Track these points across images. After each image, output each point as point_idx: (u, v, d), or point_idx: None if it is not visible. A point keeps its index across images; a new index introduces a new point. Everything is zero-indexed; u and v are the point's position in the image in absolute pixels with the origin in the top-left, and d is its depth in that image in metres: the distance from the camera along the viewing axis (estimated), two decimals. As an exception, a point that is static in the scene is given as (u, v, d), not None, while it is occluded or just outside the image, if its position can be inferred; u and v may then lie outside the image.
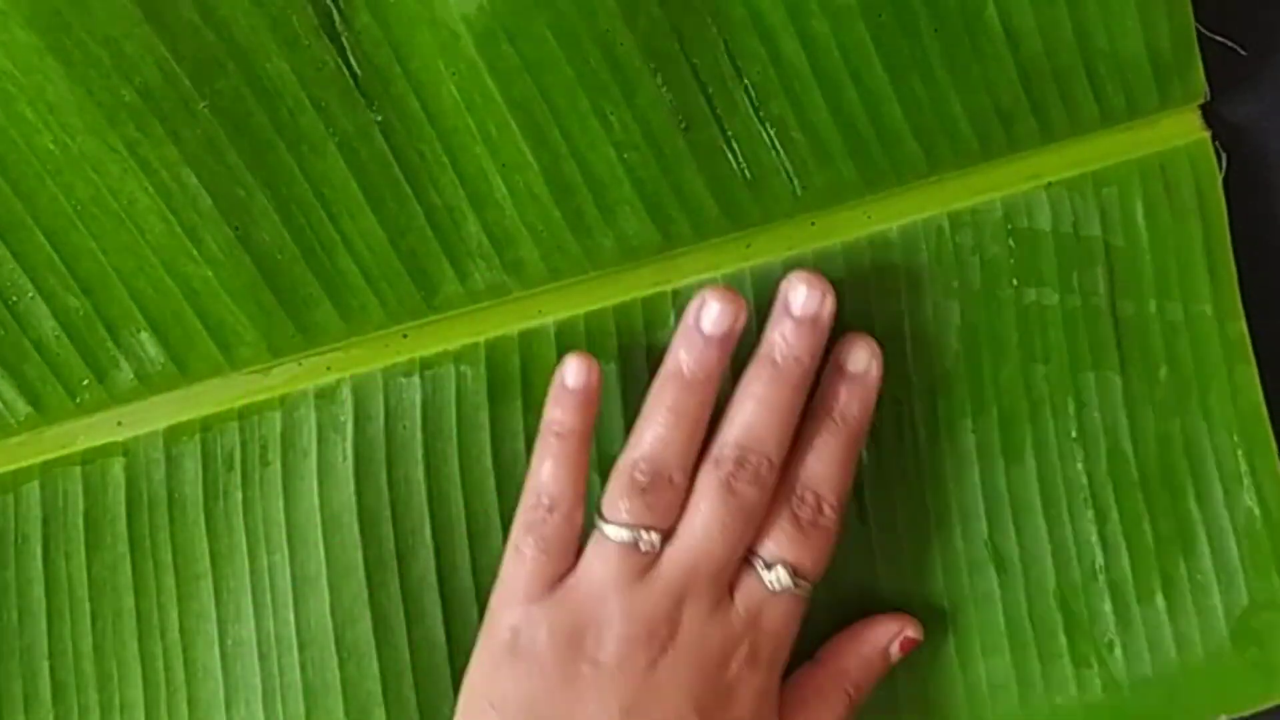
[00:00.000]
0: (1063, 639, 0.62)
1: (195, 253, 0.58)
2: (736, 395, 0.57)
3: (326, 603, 0.61)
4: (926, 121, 0.59)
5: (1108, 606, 0.62)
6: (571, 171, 0.58)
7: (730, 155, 0.59)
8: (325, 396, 0.61)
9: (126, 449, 0.62)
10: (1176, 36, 0.58)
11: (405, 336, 0.61)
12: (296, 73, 0.56)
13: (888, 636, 0.59)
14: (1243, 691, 0.62)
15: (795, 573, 0.56)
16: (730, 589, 0.56)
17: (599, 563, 0.55)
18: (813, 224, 0.61)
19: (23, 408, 0.61)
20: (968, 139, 0.59)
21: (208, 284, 0.59)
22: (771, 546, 0.56)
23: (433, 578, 0.61)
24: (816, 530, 0.56)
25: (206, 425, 0.62)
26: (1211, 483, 0.62)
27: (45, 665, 0.61)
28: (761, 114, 0.58)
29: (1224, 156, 0.61)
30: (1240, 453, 0.62)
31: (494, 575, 0.58)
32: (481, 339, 0.61)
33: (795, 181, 0.59)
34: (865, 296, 0.61)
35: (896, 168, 0.60)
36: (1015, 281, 0.61)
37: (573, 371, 0.57)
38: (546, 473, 0.56)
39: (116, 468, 0.62)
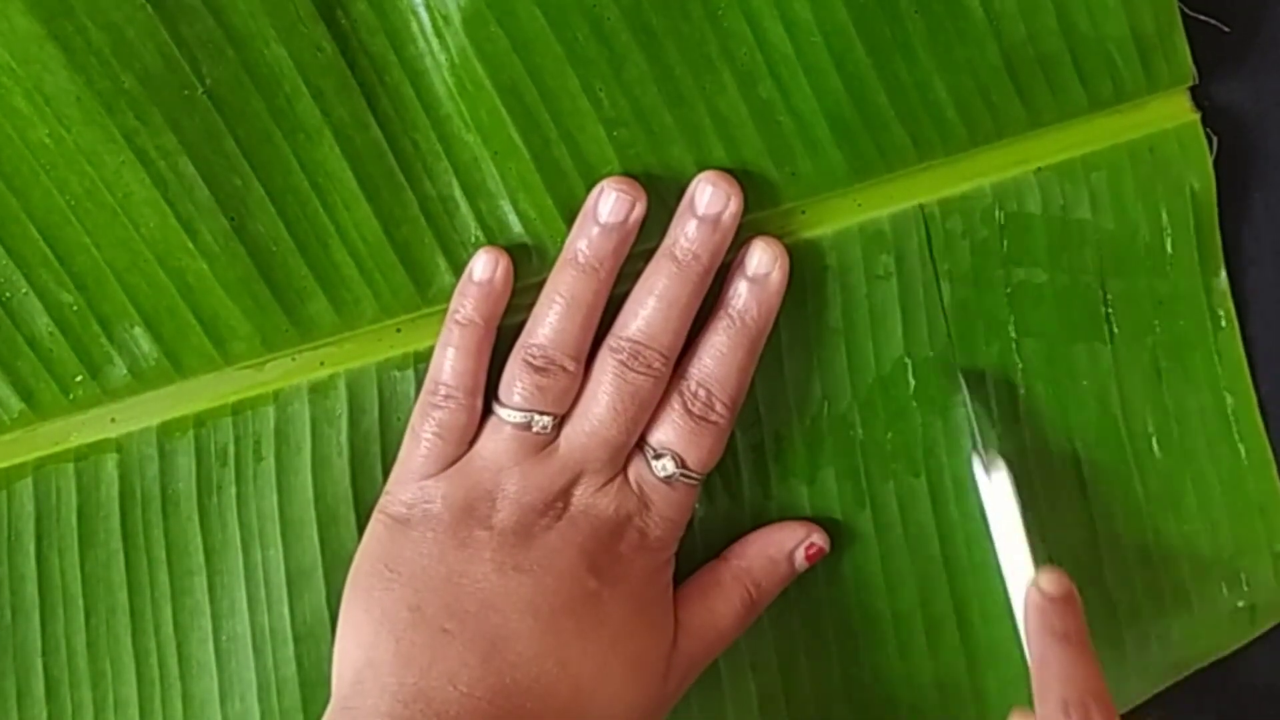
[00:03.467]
0: None
1: (190, 245, 0.58)
2: (636, 289, 0.58)
3: (322, 596, 0.61)
4: (912, 106, 0.59)
5: (1103, 563, 0.63)
6: (562, 156, 0.58)
7: (719, 138, 0.59)
8: (319, 391, 0.61)
9: (120, 445, 0.62)
10: (1159, 17, 0.59)
11: (399, 330, 0.61)
12: (294, 58, 0.57)
13: (794, 541, 0.61)
14: (1230, 630, 0.64)
15: (682, 463, 0.57)
16: (625, 473, 0.58)
17: (494, 442, 0.57)
18: (803, 212, 0.61)
19: (16, 404, 0.61)
20: (955, 125, 0.60)
21: (202, 278, 0.59)
22: (660, 436, 0.58)
23: (427, 572, 0.61)
24: (706, 425, 0.58)
25: (200, 421, 0.62)
26: (1196, 439, 0.63)
27: (39, 662, 0.61)
28: (748, 96, 0.58)
29: (1214, 139, 0.61)
30: (1224, 410, 0.63)
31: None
32: (475, 331, 0.61)
33: (784, 167, 0.59)
34: (857, 281, 0.61)
35: (884, 154, 0.60)
36: (1005, 264, 0.61)
37: (480, 265, 0.58)
38: (446, 360, 0.58)
39: (110, 464, 0.62)
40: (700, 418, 0.58)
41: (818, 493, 0.62)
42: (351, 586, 0.57)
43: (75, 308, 0.59)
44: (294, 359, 0.61)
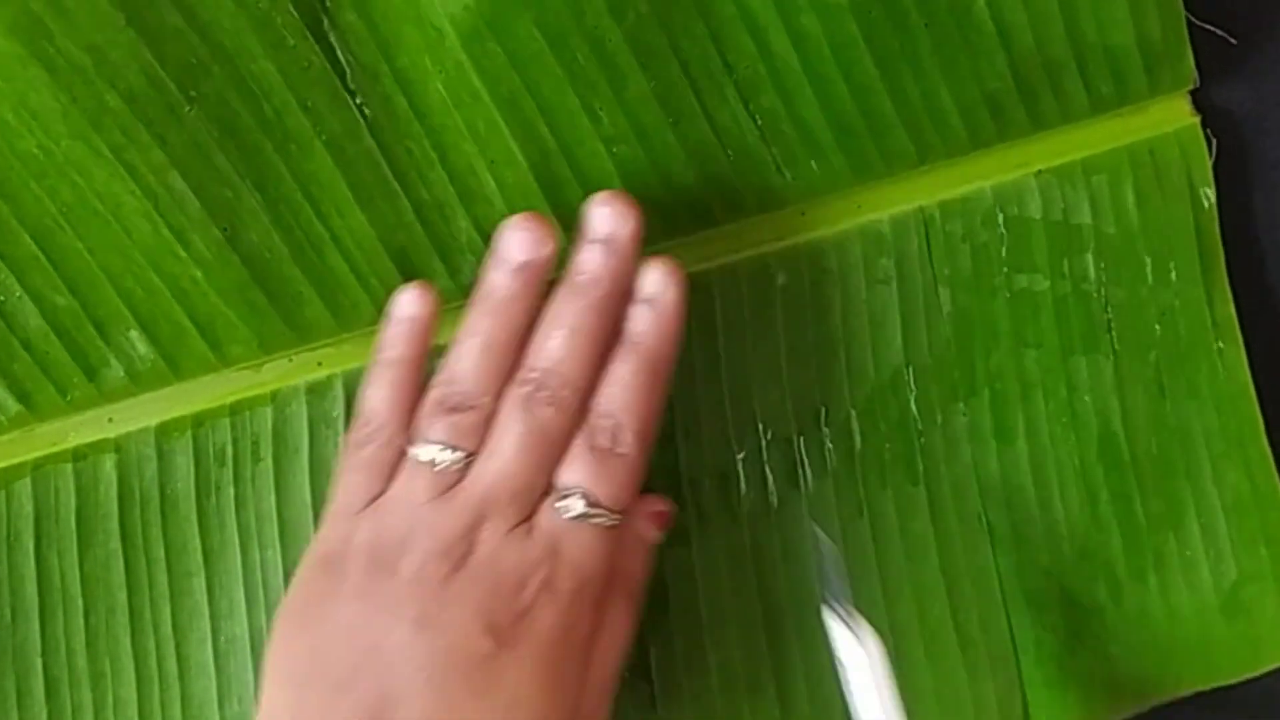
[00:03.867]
0: (1056, 613, 0.63)
1: (183, 253, 0.58)
2: (542, 320, 0.56)
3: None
4: (916, 114, 0.59)
5: (1100, 584, 0.63)
6: (561, 168, 0.58)
7: (721, 150, 0.58)
8: (316, 392, 0.61)
9: (118, 445, 0.61)
10: (1167, 27, 0.58)
11: (396, 331, 0.61)
12: (282, 73, 0.56)
13: (638, 517, 0.58)
14: (1231, 661, 0.64)
15: (592, 501, 0.55)
16: (533, 515, 0.55)
17: (408, 481, 0.56)
18: (803, 214, 0.61)
19: (13, 405, 0.61)
20: (957, 130, 0.59)
21: (196, 284, 0.59)
22: (568, 474, 0.55)
23: (425, 571, 0.61)
24: (615, 458, 0.55)
25: (198, 421, 0.61)
26: (1201, 461, 0.63)
27: (38, 662, 0.61)
28: (751, 108, 0.58)
29: (1213, 142, 0.61)
30: (1229, 431, 0.62)
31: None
32: (473, 334, 0.61)
33: (785, 173, 0.59)
34: (856, 285, 0.61)
35: (886, 158, 0.60)
36: (1006, 269, 0.61)
37: (404, 302, 0.57)
38: (372, 397, 0.57)
39: (108, 464, 0.61)
40: (607, 450, 0.55)
41: (815, 501, 0.62)
42: (273, 634, 0.56)
43: (69, 311, 0.59)
44: (291, 360, 0.61)
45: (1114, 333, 0.61)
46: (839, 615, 0.55)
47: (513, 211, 0.58)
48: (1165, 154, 0.61)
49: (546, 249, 0.56)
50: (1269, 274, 0.63)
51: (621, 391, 0.55)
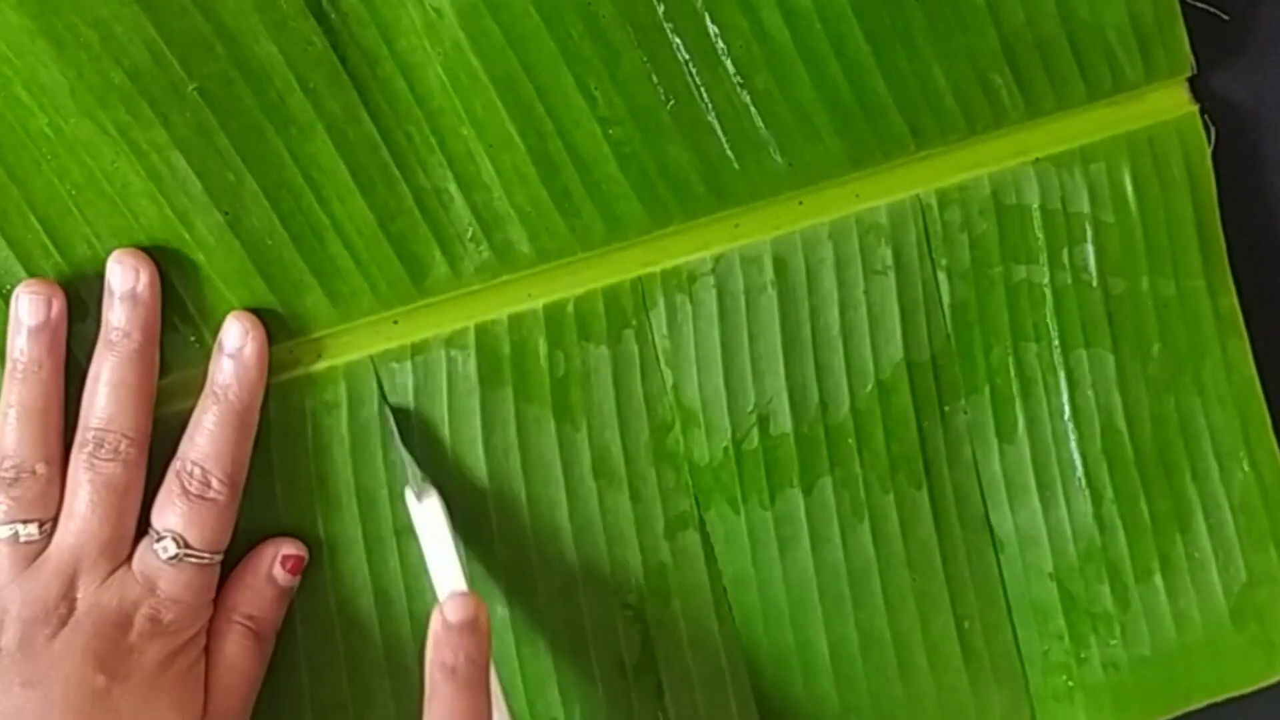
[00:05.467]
0: (1061, 620, 0.62)
1: (187, 237, 0.58)
2: (87, 381, 0.58)
3: (326, 578, 0.61)
4: (911, 94, 0.59)
5: (1105, 587, 0.62)
6: (557, 150, 0.58)
7: (716, 131, 0.59)
8: (317, 383, 0.61)
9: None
10: (1159, 5, 0.59)
11: (395, 322, 0.61)
12: (285, 54, 0.57)
13: (265, 561, 0.61)
14: (1244, 668, 0.63)
15: (185, 544, 0.57)
16: (130, 561, 0.57)
17: None
18: (800, 203, 0.61)
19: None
20: (953, 113, 0.60)
21: (199, 270, 0.59)
22: (162, 519, 0.58)
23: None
24: (205, 503, 0.58)
25: (197, 414, 0.62)
26: (1207, 459, 0.62)
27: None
28: (746, 88, 0.58)
29: (1212, 130, 0.61)
30: (1235, 428, 0.62)
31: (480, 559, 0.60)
32: (471, 323, 0.61)
33: (781, 157, 0.59)
34: (854, 276, 0.61)
35: (883, 143, 0.60)
36: (1004, 259, 0.61)
37: None
38: None
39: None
40: (198, 496, 0.58)
41: (815, 504, 0.62)
42: None
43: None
44: (291, 351, 0.61)
45: (1115, 325, 0.61)
46: (413, 490, 0.58)
47: (510, 198, 0.59)
48: (1164, 143, 0.61)
49: (55, 308, 0.58)
50: (1274, 267, 0.63)
51: (208, 440, 0.58)
